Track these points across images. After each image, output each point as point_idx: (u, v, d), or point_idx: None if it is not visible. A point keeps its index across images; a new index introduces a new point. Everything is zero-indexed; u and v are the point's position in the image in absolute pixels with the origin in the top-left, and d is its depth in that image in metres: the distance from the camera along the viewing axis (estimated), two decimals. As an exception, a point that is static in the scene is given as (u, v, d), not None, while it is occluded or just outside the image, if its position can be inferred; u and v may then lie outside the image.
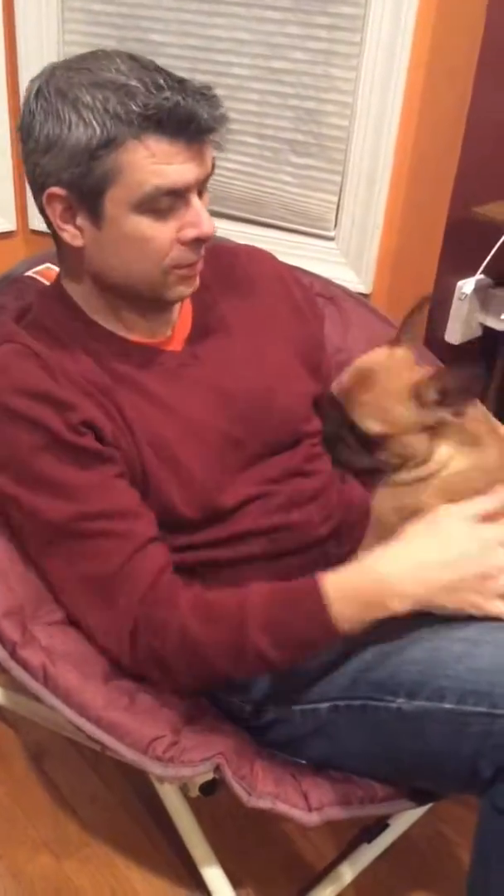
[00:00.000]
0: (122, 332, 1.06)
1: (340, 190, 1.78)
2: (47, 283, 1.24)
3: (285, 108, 1.75)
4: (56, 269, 1.26)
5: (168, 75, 0.94)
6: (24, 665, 0.99)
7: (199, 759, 0.98)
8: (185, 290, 1.03)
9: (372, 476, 1.11)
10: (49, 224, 1.00)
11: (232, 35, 1.73)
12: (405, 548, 0.95)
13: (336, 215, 1.81)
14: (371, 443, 1.01)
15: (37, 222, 2.07)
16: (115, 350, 1.04)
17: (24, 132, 0.96)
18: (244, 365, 1.12)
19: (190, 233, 0.97)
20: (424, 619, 1.00)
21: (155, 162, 0.92)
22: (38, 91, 0.94)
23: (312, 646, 0.95)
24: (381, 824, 1.35)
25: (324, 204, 1.81)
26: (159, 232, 0.96)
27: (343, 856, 1.34)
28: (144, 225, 0.95)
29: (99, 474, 0.98)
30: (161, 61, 1.82)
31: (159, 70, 0.95)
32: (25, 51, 1.89)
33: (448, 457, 1.01)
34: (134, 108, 0.90)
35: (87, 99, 0.91)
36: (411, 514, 1.00)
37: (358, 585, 0.93)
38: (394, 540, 0.96)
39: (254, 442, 1.09)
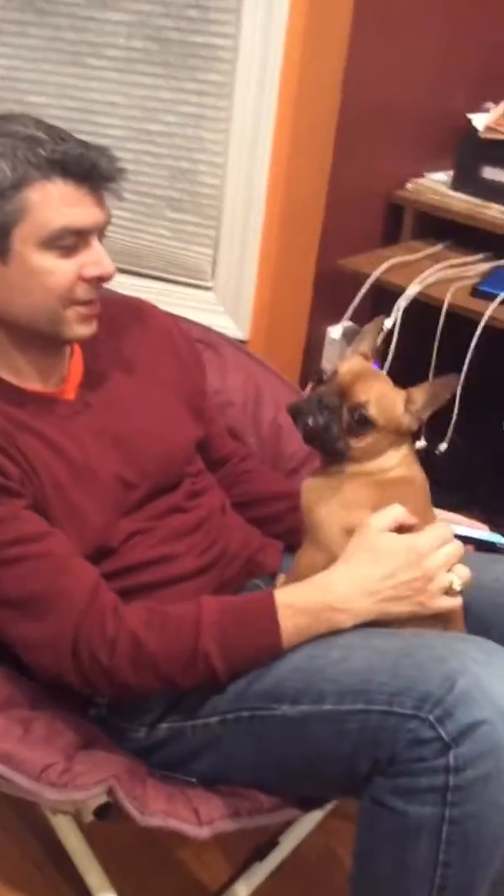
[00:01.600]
0: (16, 382, 1.10)
1: (216, 243, 1.88)
2: None
3: (160, 167, 1.85)
4: None
5: (68, 133, 1.03)
6: None
7: (92, 783, 1.01)
8: (84, 330, 1.09)
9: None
10: None
11: (107, 98, 1.82)
12: (349, 566, 1.03)
13: (213, 267, 1.91)
14: (358, 428, 1.06)
15: None
16: (10, 399, 1.08)
17: None
18: (134, 412, 1.18)
19: (92, 270, 1.04)
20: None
21: (61, 203, 1.00)
22: None
23: (257, 660, 1.02)
24: (271, 842, 1.40)
25: (200, 256, 1.91)
26: (63, 267, 1.03)
27: (237, 875, 1.38)
28: (49, 261, 1.02)
29: (8, 507, 1.02)
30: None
31: (61, 129, 1.04)
32: None
33: (395, 463, 1.09)
34: (42, 153, 0.98)
35: None
36: (339, 507, 1.08)
37: (308, 603, 1.02)
38: (338, 560, 1.04)
39: (144, 484, 1.16)
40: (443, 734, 0.90)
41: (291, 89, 1.71)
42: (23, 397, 1.09)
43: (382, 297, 1.92)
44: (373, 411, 1.06)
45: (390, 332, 1.84)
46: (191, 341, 1.34)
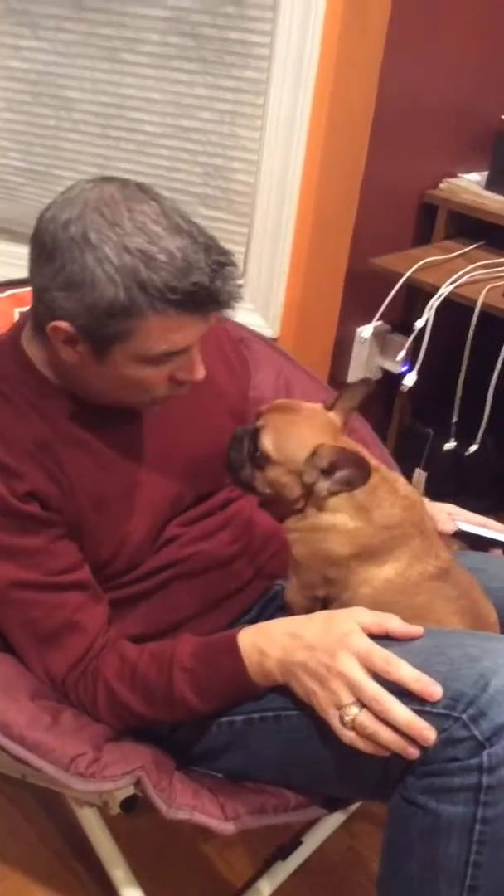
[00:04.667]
0: (69, 392, 1.09)
1: (248, 241, 1.88)
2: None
3: (194, 164, 1.85)
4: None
5: (194, 239, 0.95)
6: None
7: (121, 774, 1.01)
8: (158, 409, 1.10)
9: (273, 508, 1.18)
10: (41, 324, 1.01)
11: (143, 94, 1.83)
12: (295, 620, 1.00)
13: (244, 265, 1.91)
14: (258, 459, 1.06)
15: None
16: (63, 409, 1.08)
17: (40, 249, 0.96)
18: (186, 424, 1.18)
19: (184, 376, 1.03)
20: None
21: (167, 331, 0.96)
22: (67, 224, 0.94)
23: (238, 697, 1.02)
24: (294, 842, 1.40)
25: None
26: (155, 374, 1.01)
27: (259, 873, 1.38)
28: (144, 371, 1.00)
29: (40, 539, 1.04)
30: (76, 117, 1.92)
31: (185, 232, 0.95)
32: None
33: (335, 519, 1.06)
34: (158, 283, 0.92)
35: (114, 261, 0.92)
36: (322, 559, 1.07)
37: (266, 643, 0.98)
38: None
39: (189, 496, 1.18)
40: (476, 733, 0.89)
41: (327, 87, 1.70)
42: (74, 408, 1.09)
43: (414, 297, 1.92)
44: (264, 440, 1.05)
45: (421, 332, 1.84)
46: (236, 342, 1.34)
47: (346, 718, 0.91)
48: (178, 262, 0.93)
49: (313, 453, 1.02)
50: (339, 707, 0.92)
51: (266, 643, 0.98)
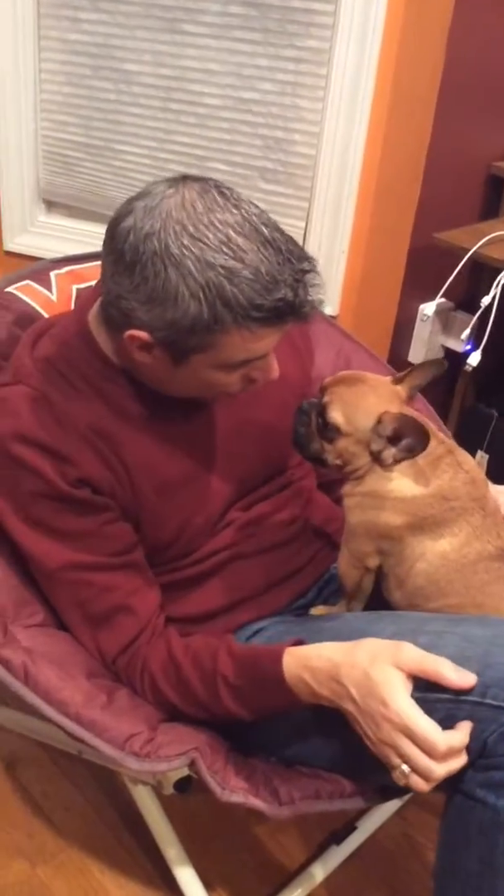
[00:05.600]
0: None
1: (308, 216, 1.85)
2: (27, 299, 1.28)
3: (255, 137, 1.82)
4: (39, 287, 1.31)
5: (278, 250, 0.92)
6: (6, 665, 1.02)
7: (175, 754, 1.01)
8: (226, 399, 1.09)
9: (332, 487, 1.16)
10: (115, 326, 0.99)
11: (203, 66, 1.80)
12: (339, 659, 0.94)
13: (304, 240, 1.87)
14: (327, 432, 1.06)
15: (11, 244, 2.11)
16: (128, 391, 1.06)
17: (118, 257, 0.93)
18: (252, 408, 1.16)
19: (258, 376, 1.03)
20: (390, 613, 1.07)
21: (248, 342, 0.95)
22: (148, 237, 0.91)
23: (282, 709, 0.99)
24: (349, 827, 1.38)
25: (292, 229, 1.87)
26: (230, 377, 1.01)
27: (312, 858, 1.37)
28: (220, 375, 1.00)
29: (92, 522, 1.04)
30: (135, 90, 1.90)
31: (268, 242, 0.92)
32: (1, 79, 1.94)
33: (396, 485, 1.05)
34: (243, 301, 0.90)
35: (198, 277, 0.90)
36: (377, 528, 1.05)
37: (300, 674, 0.95)
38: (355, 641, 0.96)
39: (254, 481, 1.17)
40: (536, 728, 0.86)
41: (392, 56, 1.65)
42: (140, 391, 1.07)
43: (480, 274, 1.86)
44: (333, 413, 1.04)
45: (488, 309, 1.78)
46: (302, 325, 1.31)
47: (402, 779, 0.90)
48: (263, 277, 0.90)
49: (378, 421, 1.02)
50: (392, 766, 0.90)
51: (314, 682, 0.95)
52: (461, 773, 0.91)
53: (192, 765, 1.02)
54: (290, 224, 1.87)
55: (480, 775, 0.91)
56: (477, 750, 0.90)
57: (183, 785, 1.08)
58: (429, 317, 1.95)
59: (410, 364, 2.01)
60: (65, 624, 1.09)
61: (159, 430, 1.08)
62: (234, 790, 1.03)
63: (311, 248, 1.86)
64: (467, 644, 0.95)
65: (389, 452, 1.03)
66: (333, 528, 1.23)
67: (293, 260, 0.93)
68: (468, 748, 0.90)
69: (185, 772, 1.04)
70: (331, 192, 1.79)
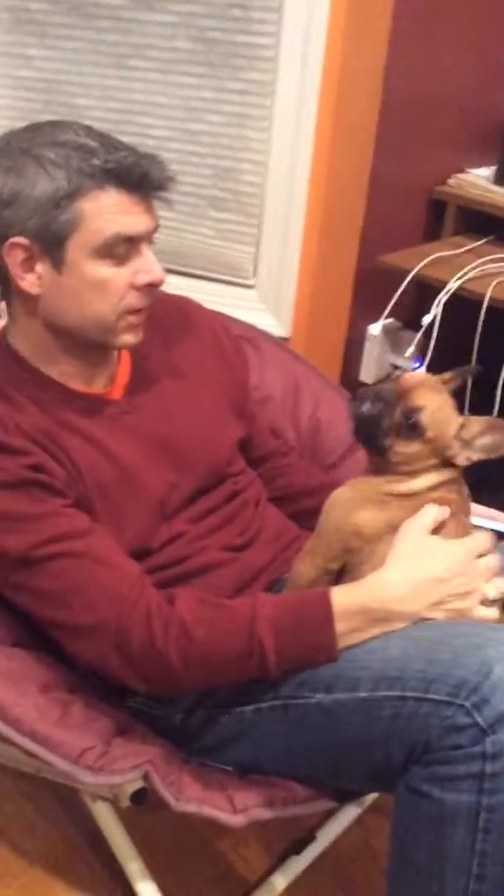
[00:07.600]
0: (63, 382, 1.11)
1: (258, 241, 1.89)
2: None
3: (203, 167, 1.87)
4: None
5: (119, 140, 1.04)
6: (-41, 684, 1.03)
7: (129, 767, 1.02)
8: (132, 339, 1.10)
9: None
10: (3, 276, 1.06)
11: (151, 99, 1.85)
12: (404, 568, 1.02)
13: (254, 265, 1.92)
14: (409, 432, 1.06)
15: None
16: (58, 398, 1.10)
17: None
18: (181, 413, 1.19)
19: (143, 278, 1.06)
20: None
21: (115, 211, 1.01)
22: None
23: (311, 659, 1.01)
24: (308, 836, 1.40)
25: (242, 255, 1.92)
26: (116, 276, 1.04)
27: (273, 868, 1.38)
28: (103, 269, 1.04)
29: (51, 504, 1.04)
30: (85, 123, 1.93)
31: (111, 136, 1.05)
32: (-46, 114, 1.98)
33: (428, 485, 1.08)
34: (95, 162, 1.00)
35: (51, 156, 1.00)
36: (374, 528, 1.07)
37: (365, 604, 1.01)
38: (389, 560, 1.03)
39: (187, 486, 1.17)
40: (479, 721, 0.89)
41: (332, 87, 1.71)
42: (71, 397, 1.11)
43: (423, 294, 1.91)
44: (426, 418, 1.06)
45: (430, 328, 1.84)
46: (234, 337, 1.35)
47: (492, 595, 1.04)
48: (108, 146, 1.02)
49: (462, 425, 1.07)
50: (484, 602, 1.04)
51: (389, 602, 1.01)
52: (407, 768, 0.94)
53: (146, 777, 1.03)
54: (240, 250, 1.92)
55: (425, 770, 0.93)
56: (421, 745, 0.93)
57: (140, 797, 1.09)
58: (376, 336, 2.00)
59: (364, 383, 2.07)
60: (46, 619, 1.05)
61: (94, 434, 1.10)
62: (188, 800, 1.04)
63: (262, 273, 1.92)
64: (412, 645, 0.99)
65: (464, 455, 1.07)
66: (285, 540, 1.25)
67: (136, 148, 1.04)
68: (412, 746, 0.93)
69: (141, 784, 1.05)
70: (278, 218, 1.84)
